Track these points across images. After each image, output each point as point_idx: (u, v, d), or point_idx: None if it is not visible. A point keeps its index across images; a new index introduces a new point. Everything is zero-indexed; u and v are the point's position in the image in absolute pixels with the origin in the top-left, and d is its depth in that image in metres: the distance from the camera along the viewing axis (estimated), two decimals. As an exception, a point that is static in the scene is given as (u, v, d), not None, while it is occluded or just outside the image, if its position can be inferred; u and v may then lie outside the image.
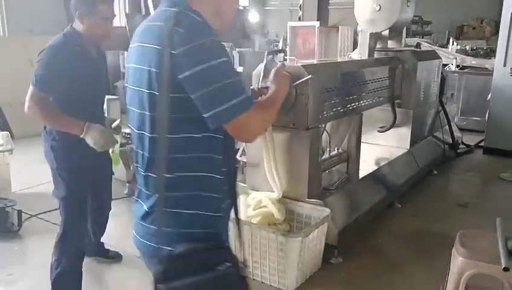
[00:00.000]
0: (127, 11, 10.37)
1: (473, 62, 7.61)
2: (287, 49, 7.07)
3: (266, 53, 3.23)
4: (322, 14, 8.05)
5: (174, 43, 1.23)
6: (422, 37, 16.46)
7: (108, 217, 3.21)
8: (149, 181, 1.40)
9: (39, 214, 4.11)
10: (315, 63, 4.18)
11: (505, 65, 5.88)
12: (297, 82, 3.03)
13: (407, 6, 4.53)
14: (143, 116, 1.36)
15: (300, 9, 8.38)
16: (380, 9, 4.38)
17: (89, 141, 2.50)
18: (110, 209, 3.20)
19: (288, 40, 8.15)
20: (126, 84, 1.45)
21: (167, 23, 1.26)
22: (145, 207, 1.41)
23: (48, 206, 4.01)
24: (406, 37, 11.57)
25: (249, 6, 18.08)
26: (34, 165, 4.70)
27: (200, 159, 1.35)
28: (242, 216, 3.12)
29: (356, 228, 3.57)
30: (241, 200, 3.33)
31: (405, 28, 4.97)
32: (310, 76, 3.02)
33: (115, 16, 2.66)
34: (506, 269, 2.15)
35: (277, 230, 3.00)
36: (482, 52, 8.99)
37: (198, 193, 1.37)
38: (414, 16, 16.58)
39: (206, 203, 1.38)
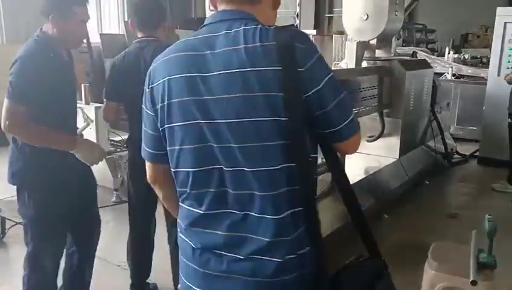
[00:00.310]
0: (126, 19, 10.48)
1: (468, 71, 7.59)
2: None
3: None
4: (319, 22, 8.07)
5: (298, 60, 1.14)
6: (427, 45, 16.47)
7: (98, 239, 2.79)
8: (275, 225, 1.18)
9: (25, 221, 4.12)
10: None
11: (498, 75, 5.84)
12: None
13: (395, 15, 4.53)
14: (252, 149, 1.16)
15: (297, 17, 8.40)
16: (367, 18, 4.39)
17: (80, 156, 2.36)
18: (99, 228, 2.80)
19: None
20: (185, 122, 1.21)
21: (282, 41, 1.15)
22: (278, 259, 1.18)
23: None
24: (409, 45, 11.59)
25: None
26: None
27: (312, 186, 1.23)
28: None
29: (339, 238, 3.54)
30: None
31: (395, 37, 4.97)
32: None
33: (89, 18, 2.47)
34: (473, 283, 2.13)
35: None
36: (485, 60, 8.93)
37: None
38: (418, 24, 16.58)
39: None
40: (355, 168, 4.33)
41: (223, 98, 1.16)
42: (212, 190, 1.21)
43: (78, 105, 4.46)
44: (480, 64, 8.64)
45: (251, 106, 1.14)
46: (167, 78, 1.23)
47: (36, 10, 2.37)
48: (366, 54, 4.60)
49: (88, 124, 4.37)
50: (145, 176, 2.79)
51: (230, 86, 1.15)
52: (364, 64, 4.56)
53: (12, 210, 4.21)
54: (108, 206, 4.51)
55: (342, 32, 9.21)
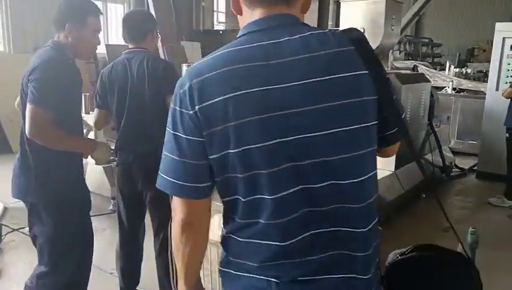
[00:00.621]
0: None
1: (469, 85, 7.61)
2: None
3: None
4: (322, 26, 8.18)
5: (374, 61, 1.12)
6: (433, 59, 16.51)
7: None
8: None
9: (22, 228, 4.17)
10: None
11: (497, 89, 5.86)
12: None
13: (392, 30, 4.58)
14: (348, 160, 1.09)
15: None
16: (363, 32, 4.44)
17: (97, 157, 2.42)
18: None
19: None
20: (263, 143, 1.06)
21: (359, 45, 1.12)
22: (368, 276, 1.15)
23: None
24: (415, 59, 11.64)
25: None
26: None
27: None
28: (215, 236, 3.12)
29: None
30: (216, 220, 3.34)
31: (391, 51, 5.02)
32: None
33: (101, 29, 2.50)
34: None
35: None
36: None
37: None
38: (424, 38, 16.69)
39: None
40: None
41: (309, 109, 1.05)
42: (297, 214, 1.08)
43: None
44: (485, 78, 8.67)
45: (343, 114, 1.07)
46: (231, 94, 1.05)
47: (43, 23, 2.42)
48: (363, 68, 4.65)
49: (88, 132, 4.46)
50: (135, 182, 2.80)
51: (316, 96, 1.06)
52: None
53: (13, 217, 4.30)
54: (105, 214, 4.56)
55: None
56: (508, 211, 5.02)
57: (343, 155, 1.08)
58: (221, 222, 1.21)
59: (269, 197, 1.07)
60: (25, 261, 3.60)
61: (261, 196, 1.08)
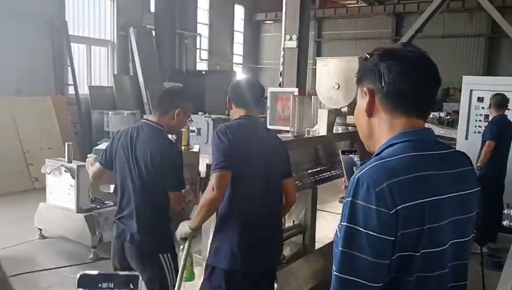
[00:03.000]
0: (115, 72, 10.79)
1: (441, 132, 7.92)
2: (268, 113, 7.27)
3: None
4: (300, 81, 8.40)
5: None
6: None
7: None
8: None
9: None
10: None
11: (466, 138, 6.15)
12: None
13: (365, 85, 4.79)
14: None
15: (280, 76, 8.74)
16: (338, 88, 4.66)
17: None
18: None
19: (268, 105, 8.47)
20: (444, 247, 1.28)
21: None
22: None
23: (12, 270, 4.07)
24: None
25: (242, 64, 18.78)
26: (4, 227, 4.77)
27: None
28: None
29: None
30: (198, 271, 3.42)
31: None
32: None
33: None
34: None
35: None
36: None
37: None
38: (399, 79, 17.37)
39: None
40: (329, 228, 4.48)
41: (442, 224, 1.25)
42: None
43: (60, 163, 4.63)
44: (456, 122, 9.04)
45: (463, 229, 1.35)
46: (429, 199, 1.16)
47: (26, 66, 2.57)
48: (338, 120, 4.85)
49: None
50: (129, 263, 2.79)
51: (451, 210, 1.28)
52: (339, 129, 4.78)
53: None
54: (86, 263, 4.57)
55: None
56: (480, 257, 5.16)
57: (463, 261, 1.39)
58: None
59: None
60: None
61: None
